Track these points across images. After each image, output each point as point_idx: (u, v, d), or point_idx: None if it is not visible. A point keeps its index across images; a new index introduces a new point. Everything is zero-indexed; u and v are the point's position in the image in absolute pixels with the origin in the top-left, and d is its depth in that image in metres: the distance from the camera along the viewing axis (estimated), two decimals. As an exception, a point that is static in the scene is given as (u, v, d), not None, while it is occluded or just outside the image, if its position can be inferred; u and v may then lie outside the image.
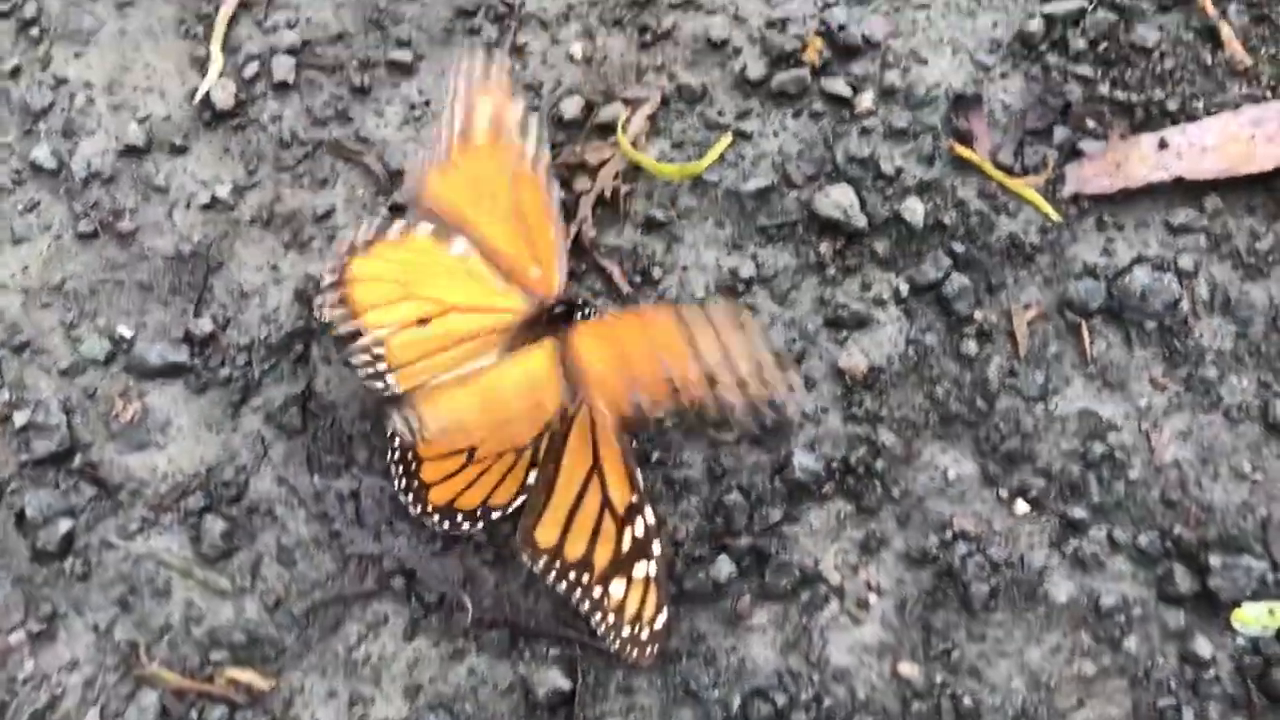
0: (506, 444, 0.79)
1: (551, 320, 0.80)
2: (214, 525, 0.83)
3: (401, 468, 0.81)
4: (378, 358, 0.79)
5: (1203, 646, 0.80)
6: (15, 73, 0.93)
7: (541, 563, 0.79)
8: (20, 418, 0.85)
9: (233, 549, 0.83)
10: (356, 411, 0.86)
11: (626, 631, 0.79)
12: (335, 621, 0.82)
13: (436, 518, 0.80)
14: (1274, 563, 0.81)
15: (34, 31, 0.94)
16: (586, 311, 0.81)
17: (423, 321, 0.79)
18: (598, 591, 0.79)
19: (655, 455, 0.84)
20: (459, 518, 0.81)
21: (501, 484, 0.81)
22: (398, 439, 0.80)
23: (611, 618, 0.79)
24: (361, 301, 0.80)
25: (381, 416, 0.79)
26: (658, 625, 0.79)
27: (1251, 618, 0.81)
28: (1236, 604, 0.81)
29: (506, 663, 0.81)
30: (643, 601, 0.79)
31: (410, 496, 0.81)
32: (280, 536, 0.84)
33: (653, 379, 0.72)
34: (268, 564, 0.83)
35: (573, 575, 0.79)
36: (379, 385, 0.79)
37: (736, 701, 0.80)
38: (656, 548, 0.78)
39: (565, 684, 0.80)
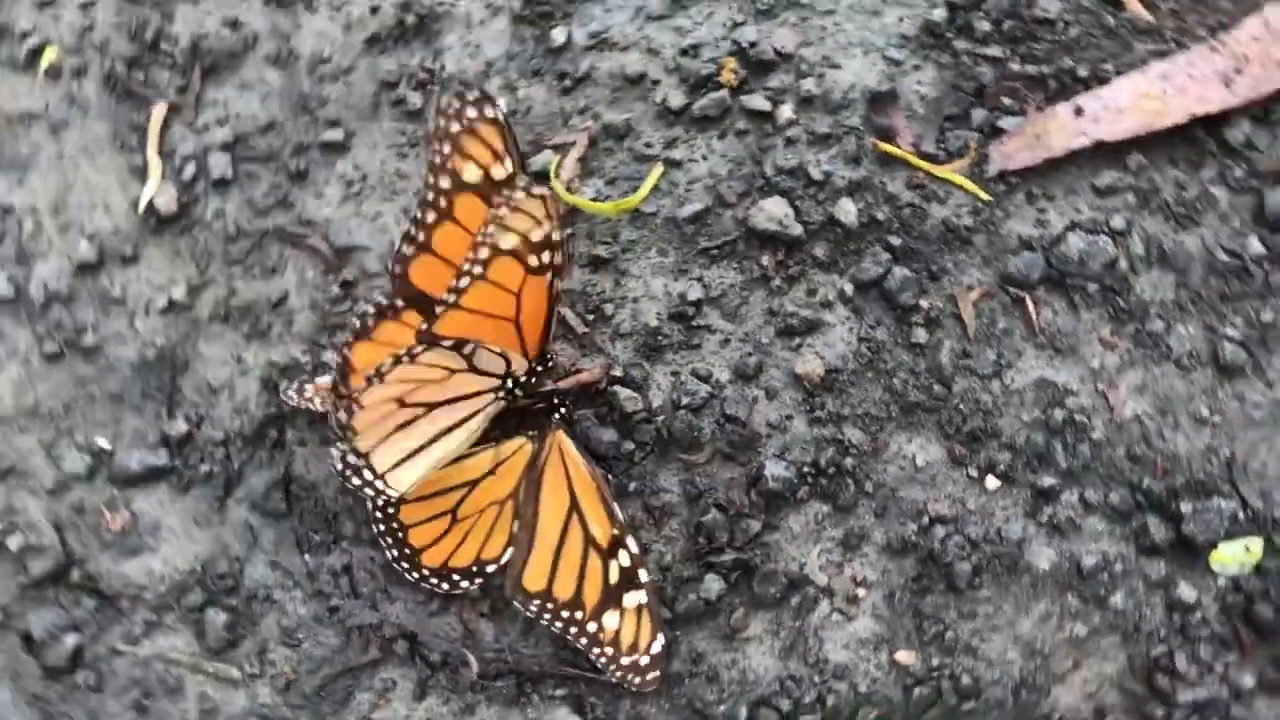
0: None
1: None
2: (216, 618, 0.85)
3: (390, 539, 0.83)
4: (363, 468, 0.80)
5: (1186, 592, 0.82)
6: (-39, 208, 0.96)
7: (534, 607, 0.81)
8: (14, 542, 0.87)
9: (238, 638, 0.85)
10: (337, 487, 0.88)
11: (626, 661, 0.80)
12: (346, 694, 0.84)
13: (434, 580, 0.82)
14: (1243, 501, 0.83)
15: (-26, 166, 0.97)
16: (563, 412, 0.84)
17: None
18: (592, 627, 0.80)
19: (632, 485, 0.86)
20: (455, 577, 0.83)
21: (490, 538, 0.83)
22: (389, 503, 0.82)
23: (610, 650, 0.80)
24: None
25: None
26: (655, 650, 0.80)
27: (1229, 557, 0.83)
28: (1213, 546, 0.82)
29: (516, 710, 0.83)
30: (638, 630, 0.80)
31: (405, 564, 0.83)
32: (281, 619, 0.86)
33: None
34: (273, 648, 0.85)
35: (565, 614, 0.81)
36: (369, 492, 0.81)
37: (744, 714, 0.82)
38: (644, 575, 0.80)
39: (574, 719, 0.82)
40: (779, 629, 0.84)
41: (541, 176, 0.92)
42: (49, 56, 0.98)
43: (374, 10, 0.97)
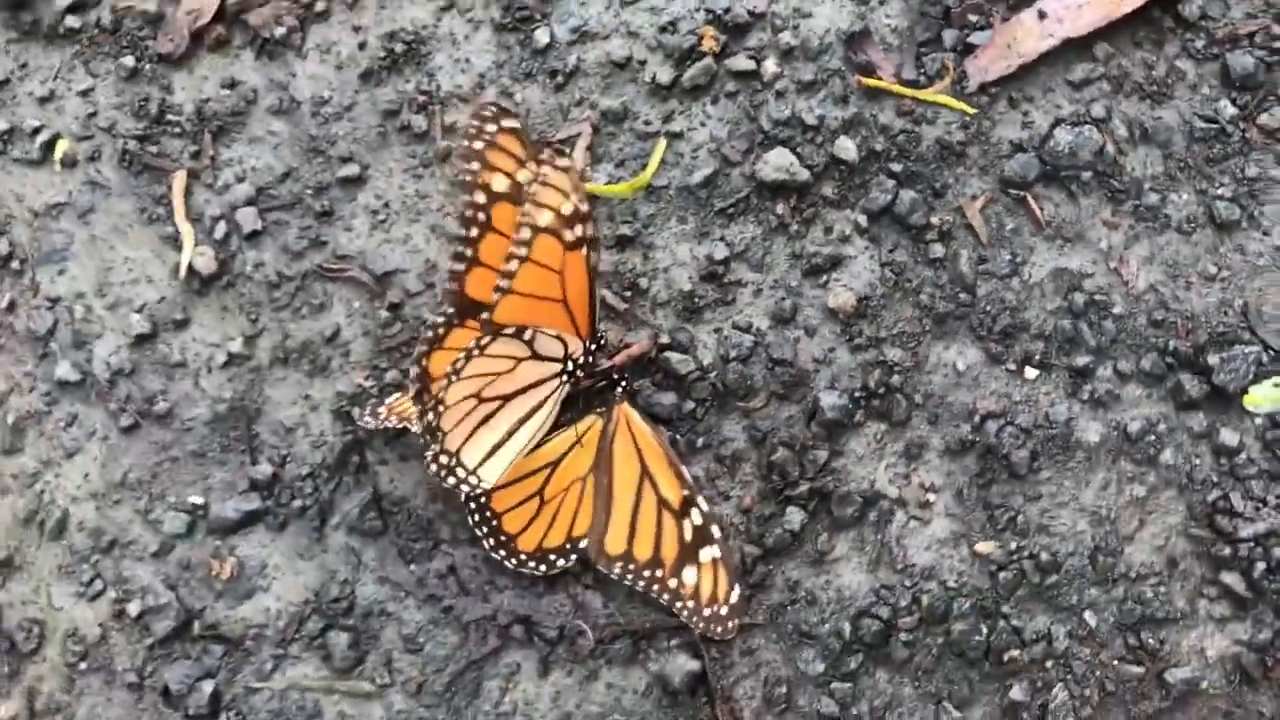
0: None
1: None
2: (339, 639, 0.90)
3: (485, 529, 0.88)
4: (456, 466, 0.86)
5: (1229, 437, 0.88)
6: (11, 307, 0.99)
7: (617, 569, 0.87)
8: (134, 608, 0.92)
9: (363, 654, 0.90)
10: (426, 496, 0.92)
11: (707, 612, 0.86)
12: (475, 685, 0.89)
13: (532, 563, 0.88)
14: (1264, 343, 0.89)
15: (14, 265, 1.00)
16: (624, 386, 0.90)
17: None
18: (673, 583, 0.86)
19: (700, 441, 0.91)
20: (552, 557, 0.88)
21: (579, 515, 0.88)
22: (479, 495, 0.87)
23: (691, 603, 0.86)
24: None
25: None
26: (734, 600, 0.86)
27: (1261, 397, 0.89)
28: (1244, 390, 0.89)
29: (637, 667, 0.89)
30: (715, 582, 0.86)
31: (503, 552, 0.88)
32: (400, 628, 0.90)
33: None
34: (398, 656, 0.90)
35: (647, 573, 0.87)
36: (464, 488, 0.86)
37: (847, 629, 0.88)
38: (716, 531, 0.86)
39: (694, 665, 0.88)
40: (863, 545, 0.89)
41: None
42: (61, 147, 1.02)
43: (361, 46, 1.02)
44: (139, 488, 0.95)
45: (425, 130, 1.00)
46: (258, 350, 0.97)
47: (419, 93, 1.00)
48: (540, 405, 0.86)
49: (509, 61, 1.00)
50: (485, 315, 0.81)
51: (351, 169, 0.99)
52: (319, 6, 1.03)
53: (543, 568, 0.88)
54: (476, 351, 0.81)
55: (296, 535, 0.93)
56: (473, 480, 0.84)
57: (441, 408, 0.82)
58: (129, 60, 1.03)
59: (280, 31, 1.02)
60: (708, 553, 0.86)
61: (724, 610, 0.86)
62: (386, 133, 1.00)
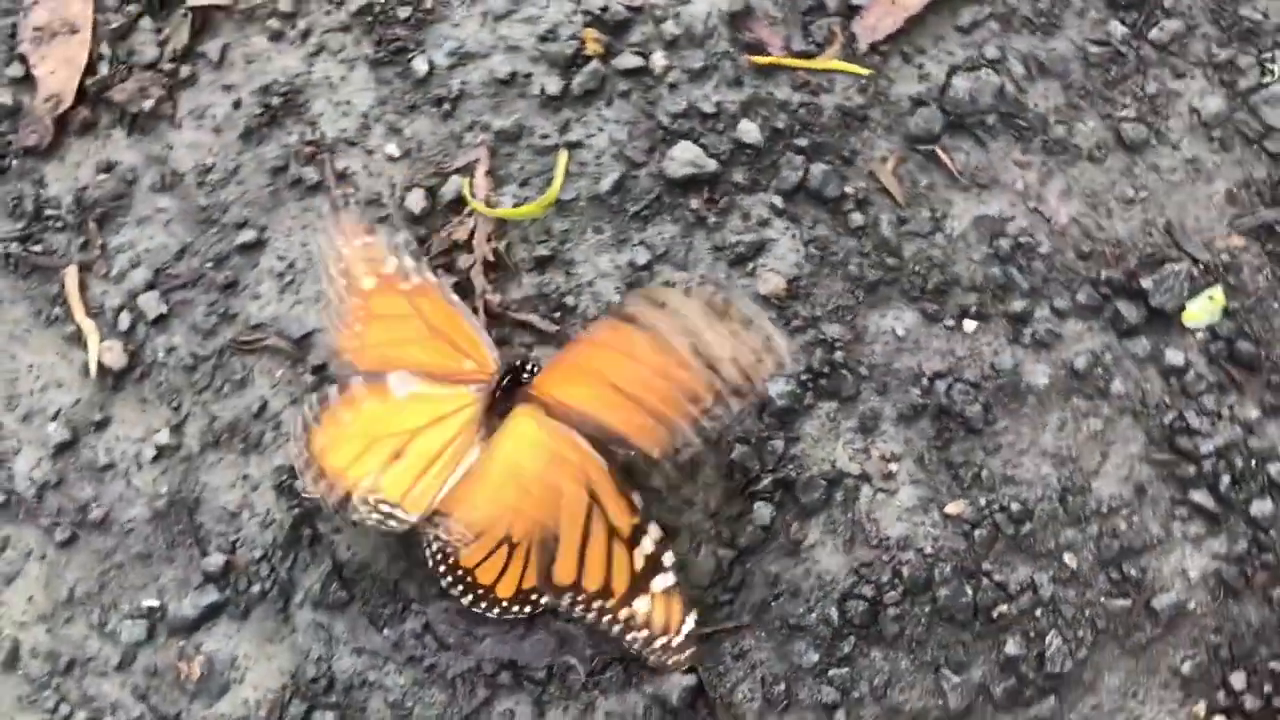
0: (544, 504, 0.84)
1: (507, 393, 0.86)
2: (325, 718, 0.88)
3: (460, 585, 0.85)
4: (377, 504, 0.83)
5: (1174, 357, 0.89)
6: (-83, 437, 0.95)
7: (566, 600, 0.84)
8: (105, 726, 0.89)
9: (352, 730, 0.88)
10: (386, 559, 0.90)
11: (659, 643, 0.84)
12: (472, 740, 0.87)
13: (515, 608, 0.85)
14: (1192, 258, 0.90)
15: (-88, 392, 0.96)
16: (530, 368, 0.87)
17: (398, 455, 0.84)
18: (624, 613, 0.83)
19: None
20: (534, 597, 0.86)
21: None
22: (445, 555, 0.85)
23: (644, 633, 0.84)
24: (336, 467, 0.84)
25: (418, 549, 0.84)
26: (686, 629, 0.84)
27: (1198, 311, 0.89)
28: (1181, 308, 0.89)
29: (632, 691, 0.87)
30: (668, 611, 0.83)
31: (483, 605, 0.85)
32: (386, 696, 0.88)
33: (659, 390, 0.78)
34: (388, 725, 0.88)
35: (598, 604, 0.84)
36: (393, 524, 0.83)
37: (835, 613, 0.87)
38: (669, 559, 0.83)
39: (689, 680, 0.86)
40: (835, 527, 0.89)
41: (459, 202, 0.94)
42: (-61, 262, 0.98)
43: (236, 105, 0.98)
44: (89, 601, 0.91)
45: (318, 181, 0.96)
46: (186, 438, 0.93)
47: (304, 143, 0.97)
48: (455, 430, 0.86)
49: (390, 97, 0.97)
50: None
51: (248, 234, 0.96)
52: (184, 72, 0.98)
53: (527, 609, 0.86)
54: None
55: (261, 621, 0.90)
56: (399, 514, 0.84)
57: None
58: (-7, 159, 0.98)
59: (148, 104, 0.98)
60: (661, 581, 0.83)
61: (676, 640, 0.84)
62: (278, 190, 0.97)
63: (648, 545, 0.83)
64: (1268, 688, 0.85)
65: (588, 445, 0.85)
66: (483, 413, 0.85)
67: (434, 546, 0.84)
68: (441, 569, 0.86)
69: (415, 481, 0.84)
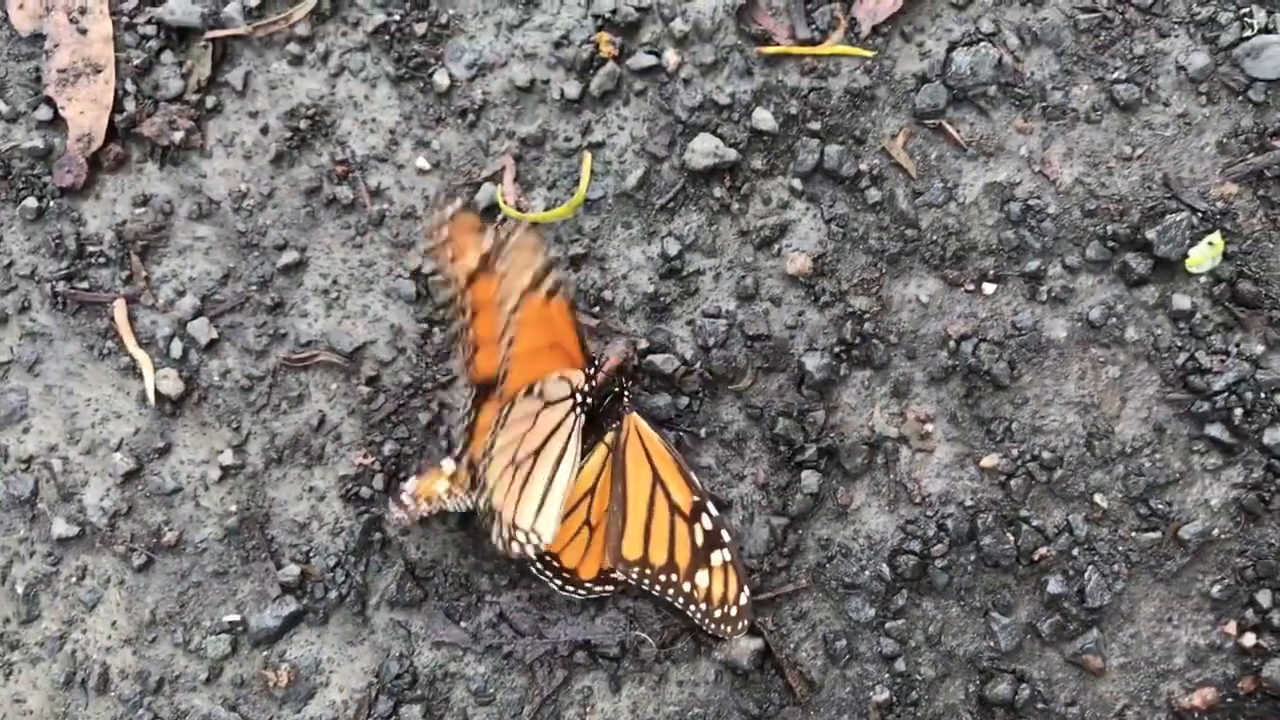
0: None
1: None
2: (412, 713, 0.92)
3: (549, 571, 0.90)
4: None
5: (1181, 302, 0.94)
6: (-15, 478, 0.98)
7: (634, 573, 0.90)
8: (201, 738, 0.92)
9: (439, 720, 0.93)
10: (456, 554, 0.94)
11: (719, 614, 0.89)
12: (555, 719, 0.92)
13: (600, 588, 0.90)
14: (1190, 207, 0.95)
15: (-26, 435, 0.99)
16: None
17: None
18: (687, 586, 0.89)
19: (703, 432, 0.94)
20: (613, 577, 0.91)
21: None
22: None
23: (704, 605, 0.89)
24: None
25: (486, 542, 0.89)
26: (743, 601, 0.89)
27: (1200, 257, 0.95)
28: (1185, 255, 0.94)
29: (703, 660, 0.92)
30: (726, 584, 0.89)
31: (571, 587, 0.91)
32: (468, 685, 0.93)
33: None
34: (474, 712, 0.92)
35: (663, 578, 0.89)
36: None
37: (886, 570, 0.92)
38: (726, 535, 0.89)
39: (756, 643, 0.91)
40: (879, 488, 0.94)
41: (492, 208, 0.98)
42: (-13, 307, 1.00)
43: (264, 131, 1.01)
44: (171, 621, 0.95)
45: (353, 199, 0.99)
46: (249, 456, 0.97)
47: (335, 163, 1.00)
48: (566, 445, 0.88)
49: (415, 111, 1.01)
50: (499, 390, 0.83)
51: (290, 255, 0.99)
52: (209, 103, 1.01)
53: (610, 588, 0.91)
54: (501, 425, 0.83)
55: (341, 625, 0.94)
56: (534, 539, 0.86)
57: (487, 490, 0.83)
58: (31, 202, 1.00)
59: (178, 136, 1.00)
60: (718, 556, 0.89)
61: (734, 611, 0.89)
62: (314, 210, 1.00)
63: (706, 522, 0.88)
64: (1292, 602, 0.91)
65: (650, 427, 0.90)
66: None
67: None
68: (530, 560, 0.90)
69: (541, 506, 0.88)
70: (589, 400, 0.89)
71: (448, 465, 0.90)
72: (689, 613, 0.90)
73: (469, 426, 0.87)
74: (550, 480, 0.86)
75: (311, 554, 0.95)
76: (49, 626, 0.96)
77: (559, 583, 0.90)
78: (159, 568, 0.96)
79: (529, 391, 0.84)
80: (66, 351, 0.99)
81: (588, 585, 0.90)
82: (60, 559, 0.96)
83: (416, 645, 0.94)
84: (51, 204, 1.01)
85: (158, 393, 0.98)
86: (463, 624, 0.93)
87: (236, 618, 0.95)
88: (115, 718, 0.94)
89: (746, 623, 0.90)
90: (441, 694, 0.93)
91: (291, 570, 0.94)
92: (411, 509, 0.89)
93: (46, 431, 0.98)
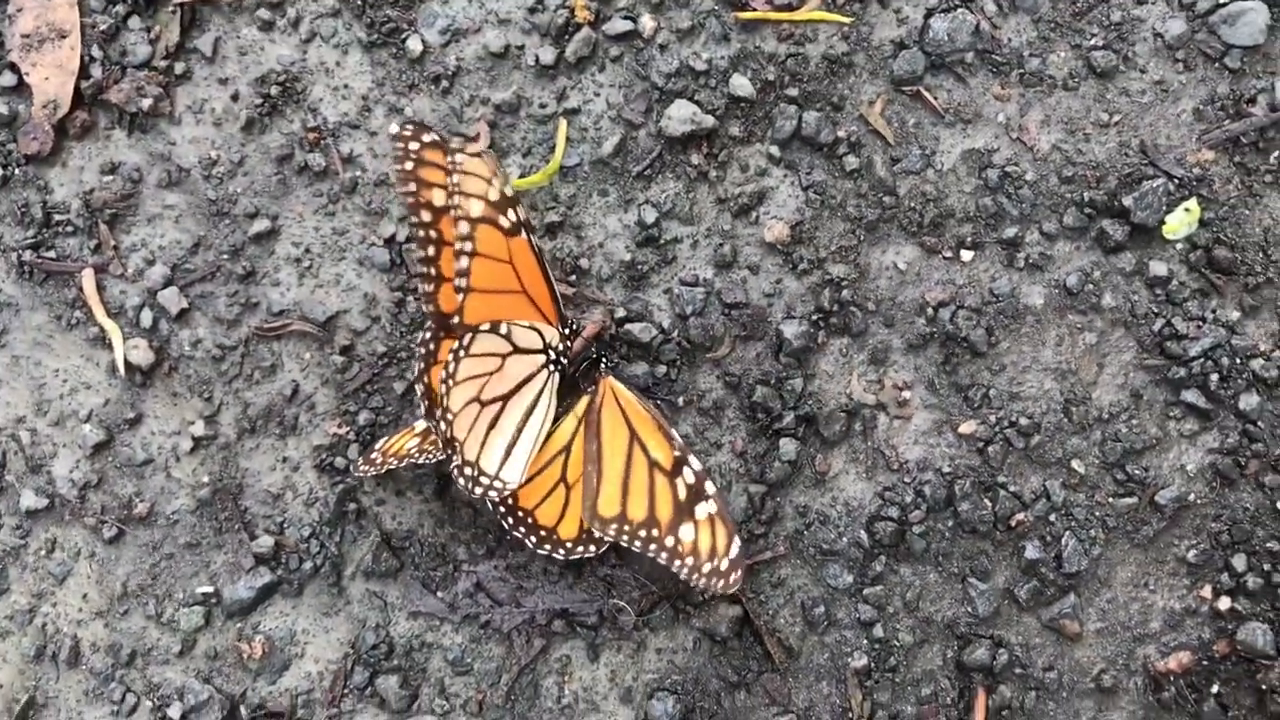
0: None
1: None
2: (388, 683, 0.91)
3: (524, 529, 0.89)
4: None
5: (1158, 268, 0.94)
6: (-49, 450, 0.96)
7: (612, 530, 0.87)
8: (175, 711, 0.91)
9: (416, 690, 0.91)
10: (431, 524, 0.93)
11: (707, 568, 0.86)
12: (533, 688, 0.91)
13: (580, 549, 0.89)
14: (1166, 174, 0.95)
15: (-60, 406, 0.97)
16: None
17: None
18: (670, 541, 0.86)
19: (680, 400, 0.94)
20: (595, 536, 0.89)
21: None
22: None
23: (690, 560, 0.86)
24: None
25: (462, 512, 0.88)
26: (734, 553, 0.86)
27: (1176, 224, 0.95)
28: (1161, 222, 0.94)
29: (681, 627, 0.92)
30: (714, 536, 0.86)
31: (548, 546, 0.89)
32: (445, 655, 0.92)
33: None
34: (451, 681, 0.92)
35: (643, 533, 0.87)
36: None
37: (864, 536, 0.92)
38: (710, 487, 0.86)
39: (736, 610, 0.91)
40: (857, 455, 0.94)
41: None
42: (-48, 276, 0.98)
43: (234, 98, 0.99)
44: (143, 593, 0.94)
45: (325, 166, 0.98)
46: (221, 427, 0.96)
47: (307, 130, 0.99)
48: (538, 397, 0.87)
49: (388, 78, 0.99)
50: (456, 319, 0.83)
51: (261, 224, 0.98)
52: (178, 69, 0.99)
53: (591, 548, 0.89)
54: (462, 353, 0.83)
55: (316, 596, 0.93)
56: (498, 484, 0.86)
57: (450, 415, 0.83)
58: (-4, 169, 0.99)
59: (146, 103, 0.99)
60: (704, 509, 0.86)
61: (724, 564, 0.86)
62: (286, 178, 0.99)
63: (689, 475, 0.87)
64: (1267, 566, 0.91)
65: (626, 389, 0.89)
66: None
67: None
68: (503, 511, 0.89)
69: (508, 452, 0.89)
70: (564, 361, 0.88)
71: (419, 424, 0.90)
72: (676, 569, 0.87)
73: (427, 355, 0.86)
74: (519, 430, 0.86)
75: (285, 525, 0.94)
76: (18, 600, 0.94)
77: (534, 539, 0.89)
78: (130, 540, 0.95)
79: (494, 329, 0.84)
80: (34, 322, 0.98)
81: (567, 545, 0.89)
82: (29, 531, 0.95)
83: (393, 615, 0.93)
84: (17, 172, 0.99)
85: (127, 363, 0.96)
86: (439, 594, 0.93)
87: (210, 589, 0.94)
88: (87, 691, 0.93)
89: (740, 575, 0.86)
90: (418, 664, 0.92)
91: (265, 541, 0.93)
92: (379, 462, 0.88)
93: (14, 403, 0.96)
